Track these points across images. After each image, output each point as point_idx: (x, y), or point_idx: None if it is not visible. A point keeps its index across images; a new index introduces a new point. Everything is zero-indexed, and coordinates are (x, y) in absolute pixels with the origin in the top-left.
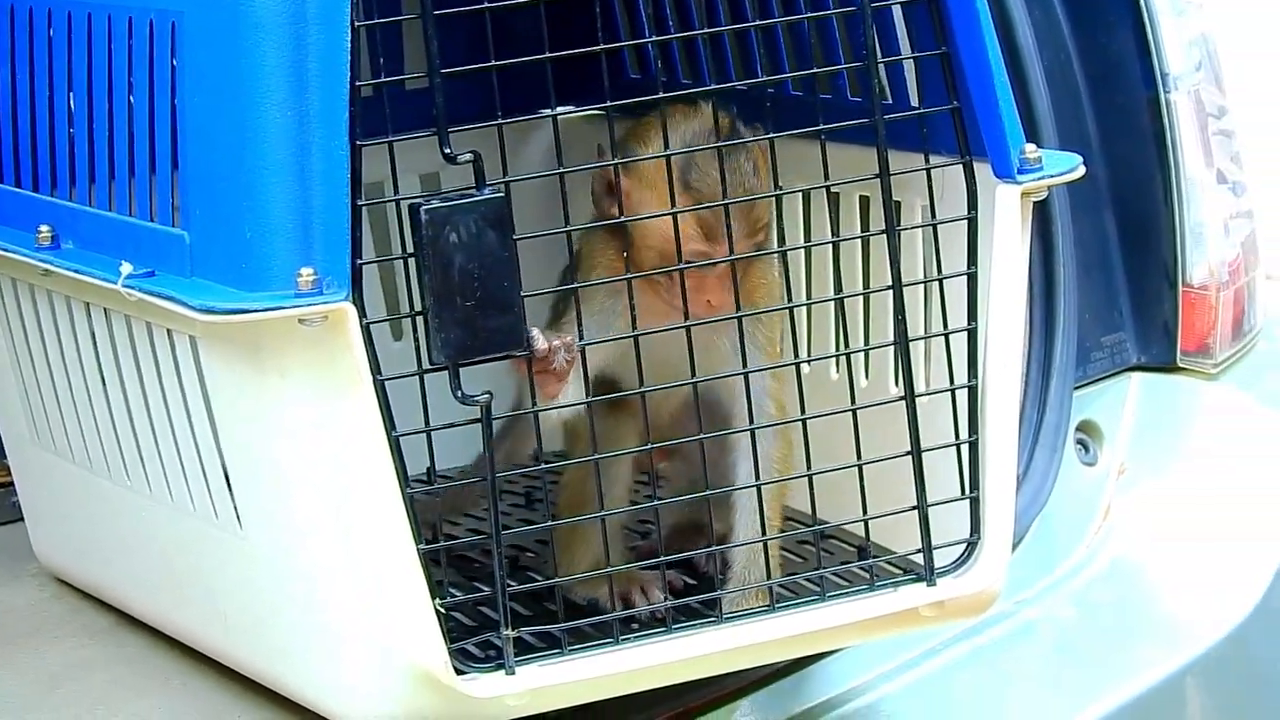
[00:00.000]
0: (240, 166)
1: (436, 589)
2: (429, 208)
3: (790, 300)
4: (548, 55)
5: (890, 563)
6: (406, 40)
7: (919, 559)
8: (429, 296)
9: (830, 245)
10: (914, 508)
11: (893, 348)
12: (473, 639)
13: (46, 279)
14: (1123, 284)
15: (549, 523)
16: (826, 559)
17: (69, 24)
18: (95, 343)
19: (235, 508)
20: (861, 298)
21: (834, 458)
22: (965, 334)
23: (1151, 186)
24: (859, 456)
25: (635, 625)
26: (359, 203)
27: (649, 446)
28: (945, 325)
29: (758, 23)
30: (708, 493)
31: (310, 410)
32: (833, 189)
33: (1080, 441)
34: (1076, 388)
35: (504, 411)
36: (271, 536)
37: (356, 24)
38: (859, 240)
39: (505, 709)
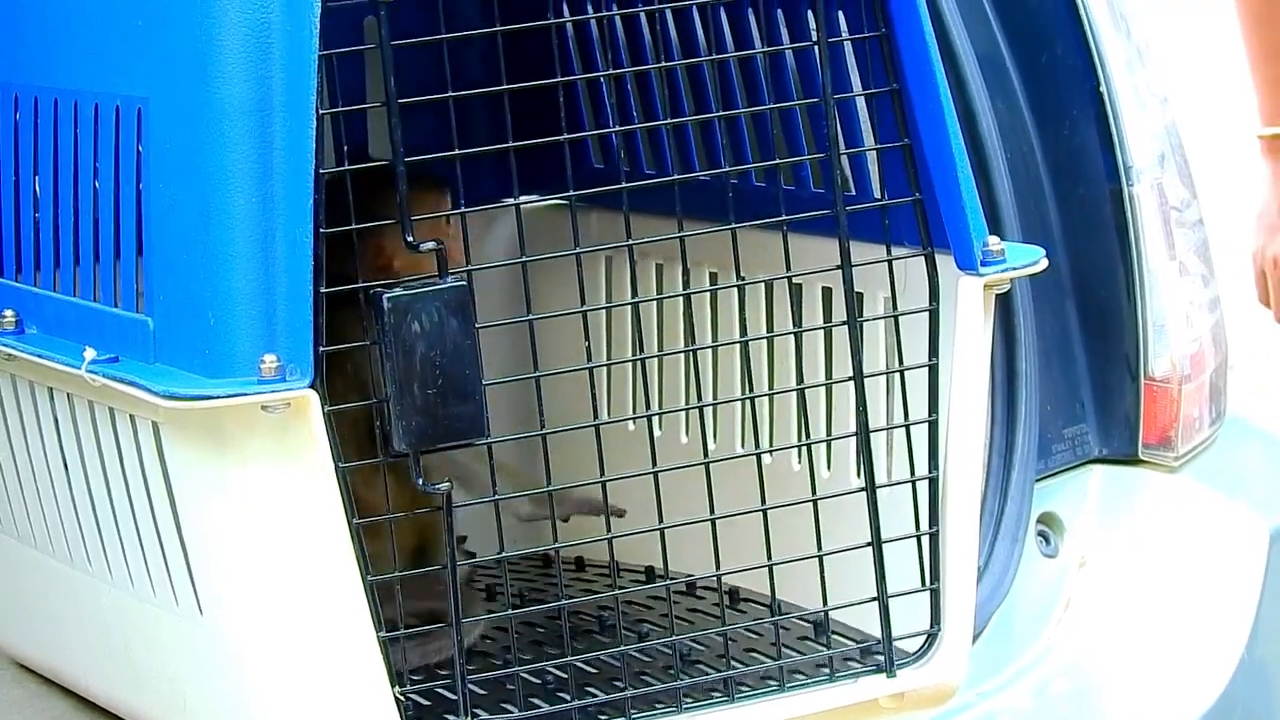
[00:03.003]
0: (204, 253)
1: (396, 676)
2: (391, 295)
3: (752, 390)
4: (511, 144)
5: (850, 651)
6: (371, 126)
7: (879, 649)
8: (391, 384)
9: (792, 336)
10: (874, 599)
11: (854, 439)
12: None
13: (10, 363)
14: (1084, 376)
15: (508, 611)
16: (784, 634)
17: (35, 109)
18: (58, 427)
19: (195, 593)
20: (823, 388)
21: (795, 545)
22: (926, 425)
23: (1114, 279)
24: (819, 547)
25: (593, 711)
26: (322, 290)
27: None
28: (906, 416)
29: (721, 113)
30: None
31: (272, 496)
32: (795, 280)
33: (1041, 533)
34: (1038, 479)
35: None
36: (231, 622)
37: (321, 111)
38: (821, 331)
39: None
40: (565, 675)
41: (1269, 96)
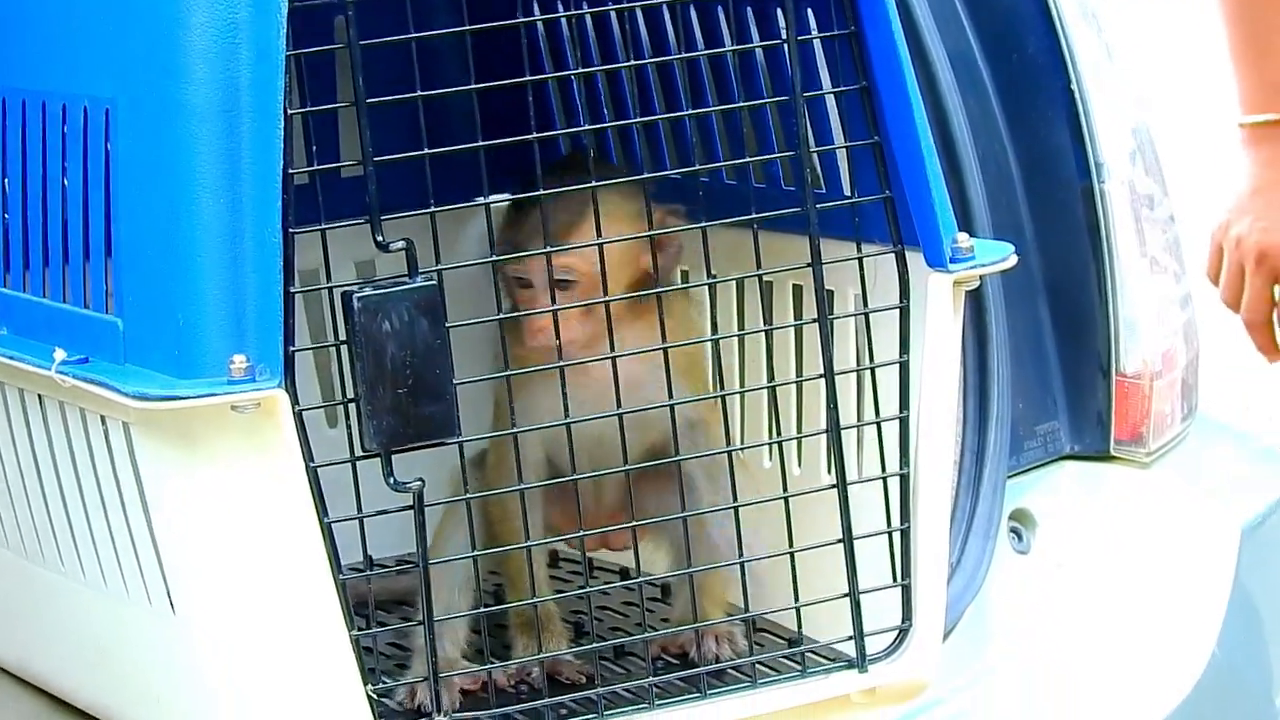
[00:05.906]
0: (173, 253)
1: (369, 675)
2: (361, 295)
3: (722, 388)
4: (480, 144)
5: (821, 653)
6: (341, 127)
7: (850, 647)
8: (361, 384)
9: (763, 334)
10: (846, 595)
11: (825, 436)
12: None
13: None
14: (1056, 373)
15: (482, 609)
16: (756, 650)
17: (3, 110)
18: (29, 428)
19: (168, 592)
20: (794, 386)
21: (765, 545)
22: (897, 422)
23: (1085, 276)
24: (791, 544)
25: (565, 712)
26: (292, 290)
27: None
28: (877, 414)
29: (691, 111)
30: (641, 579)
31: (242, 496)
32: (765, 278)
33: (1014, 530)
34: (1010, 476)
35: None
36: (204, 621)
37: (289, 111)
38: (792, 329)
39: None
40: (537, 672)
41: (1250, 84)
